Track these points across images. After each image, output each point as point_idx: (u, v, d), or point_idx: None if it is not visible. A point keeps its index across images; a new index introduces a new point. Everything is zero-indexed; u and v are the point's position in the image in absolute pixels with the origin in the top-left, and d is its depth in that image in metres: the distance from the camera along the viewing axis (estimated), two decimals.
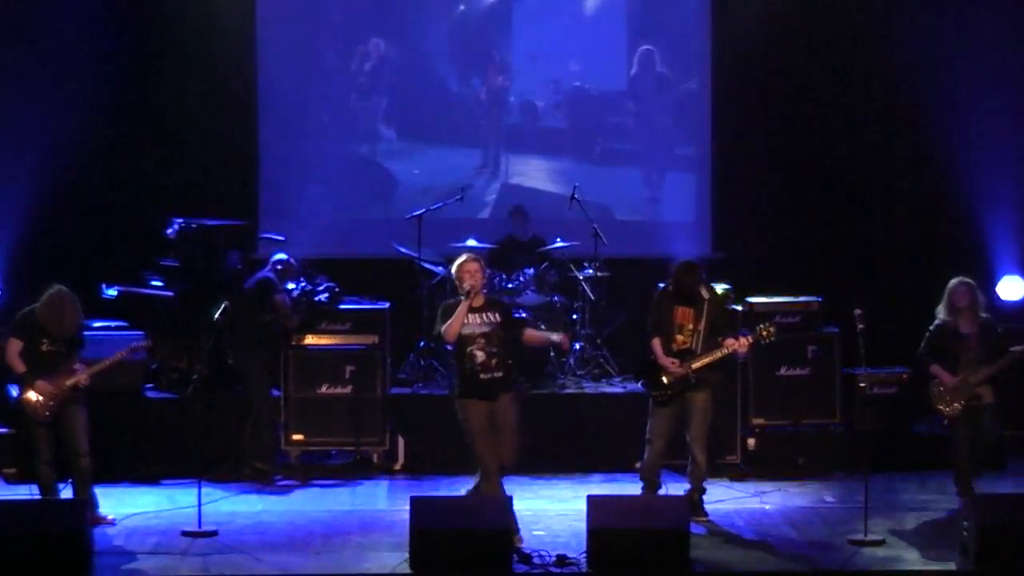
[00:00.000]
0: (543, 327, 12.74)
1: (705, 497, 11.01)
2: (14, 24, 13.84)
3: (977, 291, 10.99)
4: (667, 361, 10.78)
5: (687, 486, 10.99)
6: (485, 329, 10.14)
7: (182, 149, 14.18)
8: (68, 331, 10.63)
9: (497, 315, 10.22)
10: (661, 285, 11.26)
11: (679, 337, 10.84)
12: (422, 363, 13.06)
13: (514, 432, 10.17)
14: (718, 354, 10.78)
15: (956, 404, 10.85)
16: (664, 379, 10.81)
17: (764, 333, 10.88)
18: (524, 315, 12.62)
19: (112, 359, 10.86)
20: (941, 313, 10.99)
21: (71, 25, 13.88)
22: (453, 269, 10.40)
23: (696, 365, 10.75)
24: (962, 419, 10.87)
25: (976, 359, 10.84)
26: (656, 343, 10.86)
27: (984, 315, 10.97)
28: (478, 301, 10.19)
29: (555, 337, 10.60)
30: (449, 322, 10.12)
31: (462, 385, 10.21)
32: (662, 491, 10.98)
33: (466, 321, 10.13)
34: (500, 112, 14.60)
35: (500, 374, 10.13)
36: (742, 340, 10.80)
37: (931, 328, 11.01)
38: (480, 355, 10.12)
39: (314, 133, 14.51)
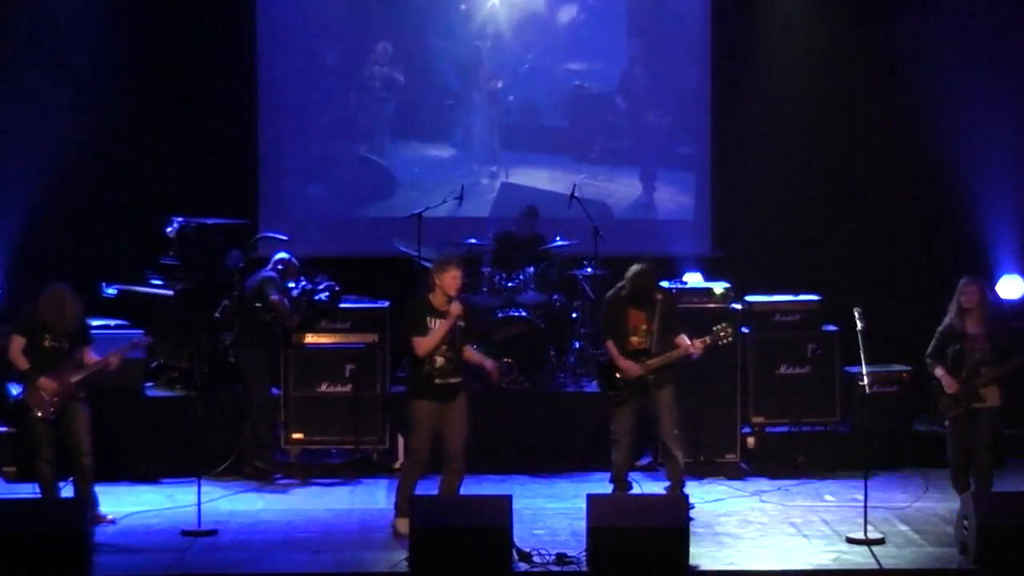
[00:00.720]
0: (543, 325, 12.78)
1: (704, 496, 11.05)
2: (14, 24, 13.85)
3: (987, 291, 10.89)
4: (624, 363, 10.81)
5: (666, 483, 11.06)
6: (451, 336, 10.21)
7: (182, 149, 14.19)
8: (69, 325, 10.64)
9: (462, 321, 10.25)
10: (614, 288, 11.23)
11: (634, 339, 10.90)
12: None
13: (464, 429, 10.35)
14: (673, 355, 10.82)
15: (960, 408, 10.79)
16: (619, 379, 10.85)
17: (722, 334, 10.93)
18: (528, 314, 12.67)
19: (116, 355, 10.87)
20: (950, 312, 10.93)
21: (71, 25, 13.89)
22: (437, 270, 10.28)
23: (652, 365, 10.79)
24: (963, 421, 10.83)
25: (982, 360, 10.75)
26: (611, 344, 10.91)
27: (992, 315, 10.89)
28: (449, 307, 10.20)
29: (487, 364, 10.52)
30: (425, 339, 10.10)
31: (416, 387, 10.27)
32: (634, 491, 11.03)
33: (433, 326, 10.16)
34: (500, 111, 14.61)
35: (456, 379, 10.27)
36: (695, 343, 10.81)
37: (939, 328, 10.95)
38: (440, 360, 10.20)
39: (314, 132, 14.52)
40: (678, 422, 10.97)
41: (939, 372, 10.81)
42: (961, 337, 10.78)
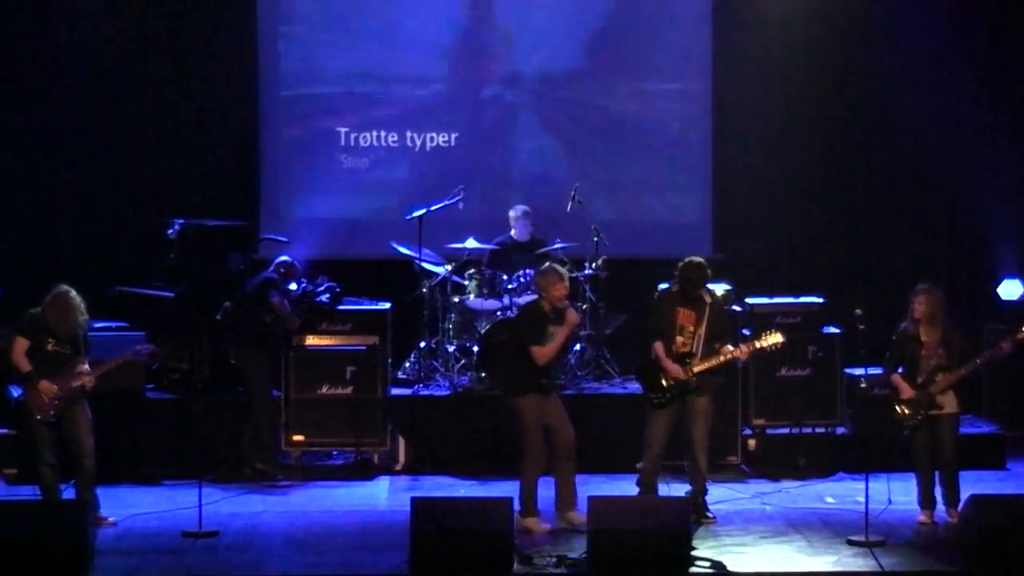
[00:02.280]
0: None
1: (707, 498, 10.99)
2: (14, 24, 13.84)
3: (939, 298, 10.87)
4: (671, 365, 10.75)
5: (688, 488, 10.98)
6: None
7: (182, 149, 14.19)
8: (73, 330, 10.64)
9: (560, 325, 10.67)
10: (664, 286, 11.25)
11: (680, 339, 10.82)
12: (423, 364, 13.06)
13: (568, 421, 10.73)
14: (719, 359, 10.77)
15: (917, 415, 10.82)
16: (664, 382, 10.80)
17: (773, 342, 10.82)
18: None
19: (116, 361, 10.88)
20: (904, 321, 10.96)
21: (71, 25, 13.88)
22: (544, 281, 10.66)
23: (698, 369, 10.74)
24: (923, 429, 10.83)
25: (938, 366, 10.78)
26: (659, 346, 10.83)
27: (948, 321, 10.89)
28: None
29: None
30: (544, 349, 10.54)
31: (522, 383, 10.60)
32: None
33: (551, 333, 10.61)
34: (501, 111, 14.58)
35: (554, 377, 10.79)
36: (742, 348, 10.79)
37: (893, 337, 10.97)
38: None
39: (314, 133, 14.50)
40: (711, 430, 10.94)
41: (895, 379, 10.83)
42: (916, 344, 10.80)
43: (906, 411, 10.81)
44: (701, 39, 14.52)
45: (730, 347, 10.77)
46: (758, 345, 10.85)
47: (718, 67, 14.49)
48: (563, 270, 10.82)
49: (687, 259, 10.97)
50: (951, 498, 10.85)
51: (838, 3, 14.41)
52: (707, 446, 10.91)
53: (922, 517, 10.85)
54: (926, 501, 10.90)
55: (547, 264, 10.97)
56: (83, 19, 13.90)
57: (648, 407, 10.92)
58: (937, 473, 10.92)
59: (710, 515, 10.86)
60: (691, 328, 10.80)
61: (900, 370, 10.88)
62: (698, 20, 14.52)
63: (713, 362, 10.76)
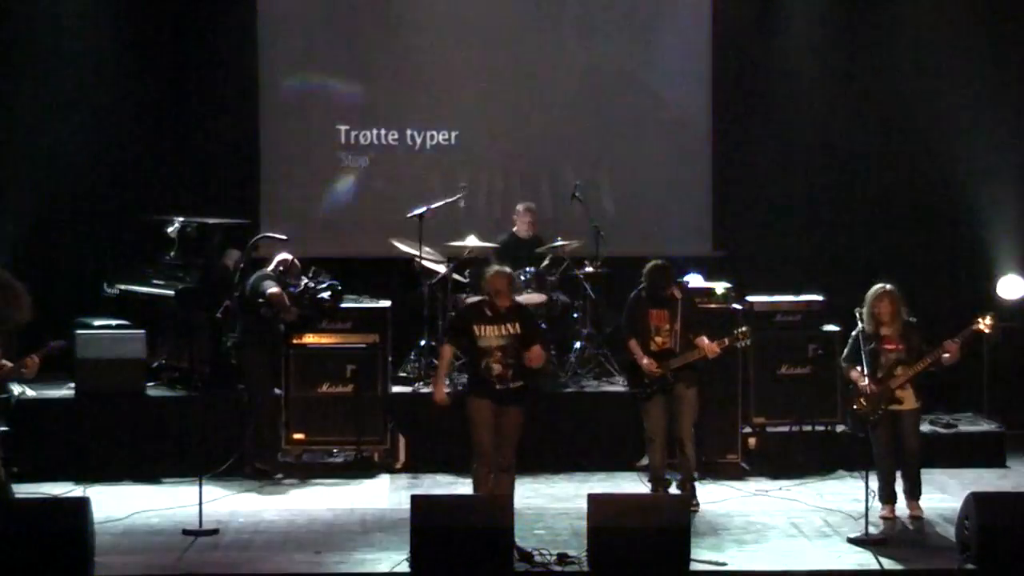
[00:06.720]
0: (544, 325, 12.78)
1: (707, 496, 11.05)
2: (14, 24, 13.86)
3: (896, 297, 10.91)
4: (645, 361, 10.94)
5: (678, 477, 11.11)
6: (503, 342, 10.27)
7: (183, 149, 14.20)
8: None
9: (517, 326, 10.30)
10: (636, 289, 11.29)
11: (658, 339, 11.03)
12: (423, 362, 13.07)
13: (513, 446, 10.37)
14: (691, 356, 10.94)
15: (876, 409, 10.85)
16: (645, 377, 10.98)
17: (740, 337, 11.03)
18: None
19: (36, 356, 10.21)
20: (863, 319, 10.97)
21: (71, 25, 13.90)
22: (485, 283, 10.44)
23: (675, 365, 10.93)
24: (884, 426, 10.88)
25: (897, 360, 10.83)
26: (634, 344, 11.04)
27: (907, 319, 10.93)
28: (499, 307, 10.28)
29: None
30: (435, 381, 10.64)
31: (475, 387, 10.38)
32: (673, 488, 11.12)
33: (483, 334, 10.27)
34: (501, 110, 14.58)
35: (517, 384, 10.33)
36: (712, 345, 10.89)
37: (852, 333, 10.99)
38: (497, 368, 10.29)
39: (314, 132, 14.51)
40: (696, 420, 11.10)
41: (854, 375, 10.88)
42: (875, 339, 10.84)
43: (864, 404, 10.84)
44: (701, 39, 14.54)
45: (705, 340, 10.92)
46: (728, 343, 11.00)
47: (719, 65, 14.50)
48: (505, 272, 10.44)
49: (650, 263, 11.10)
50: (913, 491, 10.97)
51: (838, 3, 14.43)
52: (693, 436, 11.07)
53: (884, 512, 10.93)
54: (887, 496, 10.98)
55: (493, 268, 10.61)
56: (84, 19, 13.91)
57: (639, 402, 11.08)
58: (901, 469, 10.98)
59: (694, 503, 10.98)
60: (666, 326, 11.01)
61: (859, 368, 10.89)
62: (700, 19, 14.54)
63: (691, 358, 10.96)
